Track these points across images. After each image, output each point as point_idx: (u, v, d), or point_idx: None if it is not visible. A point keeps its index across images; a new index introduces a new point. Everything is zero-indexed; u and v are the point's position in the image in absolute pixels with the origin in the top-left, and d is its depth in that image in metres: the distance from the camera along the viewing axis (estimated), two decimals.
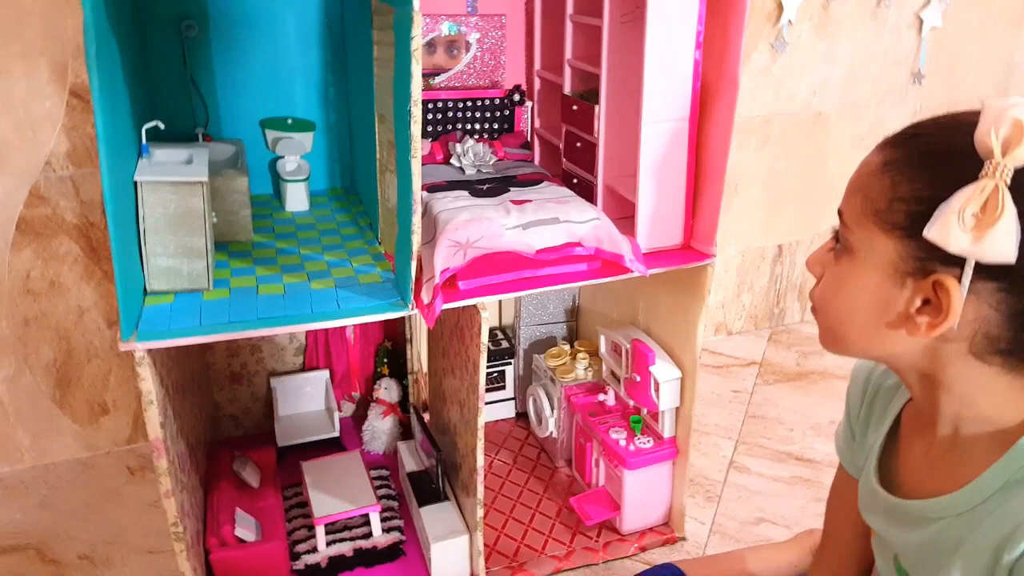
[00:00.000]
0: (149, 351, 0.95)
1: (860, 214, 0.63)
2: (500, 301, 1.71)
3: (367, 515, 1.30)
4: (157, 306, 1.02)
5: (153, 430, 0.98)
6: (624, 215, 1.19)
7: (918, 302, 0.60)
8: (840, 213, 0.67)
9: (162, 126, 1.08)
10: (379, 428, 1.55)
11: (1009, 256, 0.55)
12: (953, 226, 0.55)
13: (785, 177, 1.99)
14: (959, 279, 0.57)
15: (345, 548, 1.27)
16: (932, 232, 0.56)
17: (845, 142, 2.00)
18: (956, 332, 0.60)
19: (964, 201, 0.55)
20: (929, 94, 2.06)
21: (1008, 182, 0.54)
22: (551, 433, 1.52)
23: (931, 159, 0.59)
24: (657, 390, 1.26)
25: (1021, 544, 0.58)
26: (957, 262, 0.57)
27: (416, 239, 1.02)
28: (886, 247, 0.61)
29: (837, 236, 0.68)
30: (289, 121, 1.41)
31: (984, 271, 0.56)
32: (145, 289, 1.05)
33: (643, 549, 1.33)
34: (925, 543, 0.68)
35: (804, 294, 2.15)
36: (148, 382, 0.95)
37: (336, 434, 1.52)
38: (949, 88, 2.08)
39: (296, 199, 1.38)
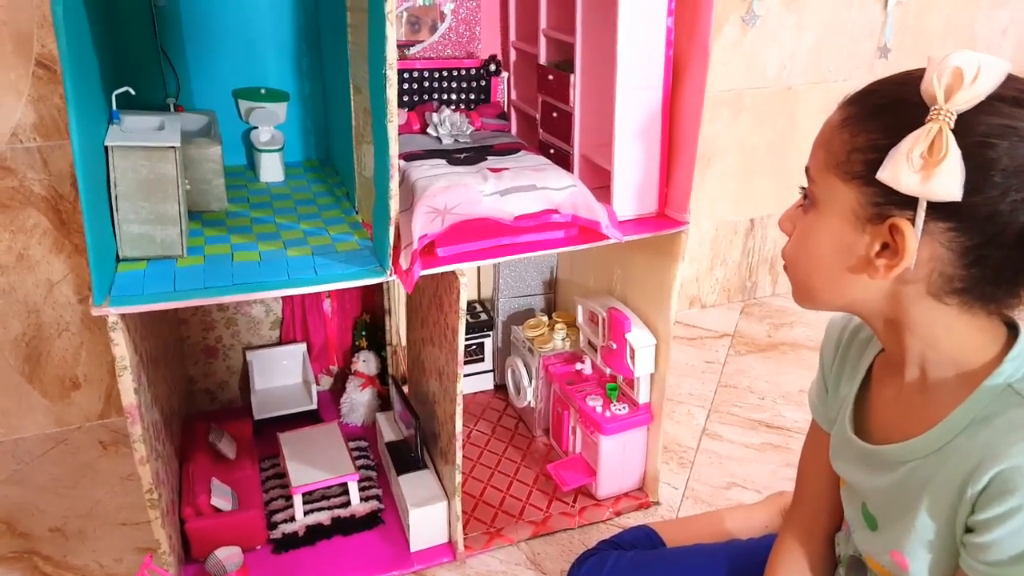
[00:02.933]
0: (122, 316, 0.94)
1: (823, 167, 0.66)
2: (479, 273, 1.72)
3: (345, 484, 1.30)
4: (130, 272, 1.01)
5: (127, 396, 0.97)
6: (600, 185, 1.20)
7: (877, 246, 0.63)
8: (807, 170, 0.70)
9: (132, 92, 1.07)
10: (357, 400, 1.55)
11: (955, 193, 0.58)
12: (903, 167, 0.59)
13: (757, 150, 2.01)
14: (912, 221, 0.60)
15: (323, 517, 1.28)
16: (884, 174, 0.60)
17: (815, 115, 2.02)
18: (913, 273, 0.62)
19: (912, 144, 0.58)
20: (895, 67, 2.06)
21: (951, 125, 0.58)
22: (529, 403, 1.53)
23: (884, 110, 0.63)
24: (633, 357, 1.27)
25: (984, 477, 0.61)
26: (911, 205, 0.60)
27: (394, 205, 1.02)
28: (846, 196, 0.64)
29: (805, 193, 0.71)
30: (262, 91, 1.39)
31: (935, 212, 0.59)
32: (118, 256, 1.04)
33: (618, 514, 1.36)
34: (894, 486, 0.70)
35: (776, 267, 2.18)
36: (122, 347, 0.94)
37: (314, 407, 1.52)
38: (915, 61, 2.06)
39: (271, 170, 1.37)
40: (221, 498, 1.22)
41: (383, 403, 1.56)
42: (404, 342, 1.58)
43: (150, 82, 1.31)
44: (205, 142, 1.18)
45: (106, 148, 0.98)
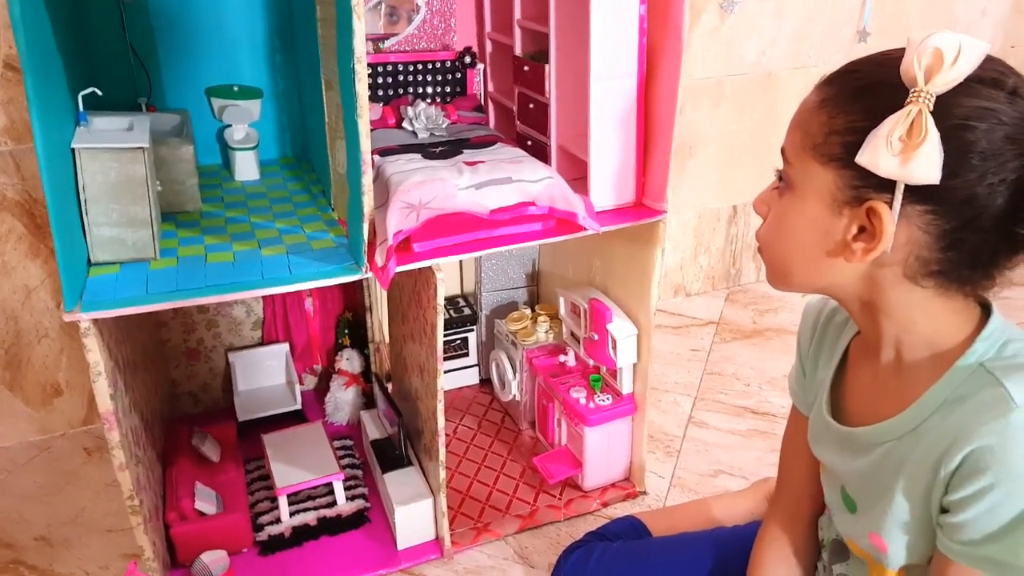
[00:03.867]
0: (95, 321, 0.93)
1: (800, 149, 0.66)
2: (461, 267, 1.71)
3: (331, 484, 1.30)
4: (102, 276, 1.00)
5: (103, 402, 0.96)
6: (578, 175, 1.20)
7: (854, 229, 0.63)
8: (783, 151, 0.69)
9: (99, 92, 1.05)
10: (341, 399, 1.54)
11: (933, 176, 0.57)
12: (882, 150, 0.58)
13: (738, 137, 2.01)
14: (890, 204, 0.60)
15: (309, 517, 1.27)
16: (863, 157, 0.59)
17: (795, 101, 1.98)
18: (890, 256, 0.62)
19: (891, 126, 0.58)
20: (875, 50, 2.07)
21: (931, 108, 0.57)
22: (514, 396, 1.52)
23: (863, 92, 0.62)
24: (615, 347, 1.27)
25: (956, 457, 0.61)
26: (888, 188, 0.60)
27: (368, 201, 1.01)
28: (824, 178, 0.64)
29: (781, 176, 0.70)
30: (235, 88, 1.38)
31: (913, 195, 0.59)
32: (89, 260, 1.03)
33: (605, 505, 1.35)
34: (871, 468, 0.70)
35: (759, 254, 2.18)
36: (95, 353, 0.93)
37: (298, 407, 1.51)
38: (894, 44, 2.08)
39: (246, 168, 1.35)
40: (205, 502, 1.21)
41: (367, 401, 1.56)
42: (387, 339, 1.57)
43: (120, 81, 1.30)
44: (177, 142, 1.17)
45: (73, 150, 0.96)
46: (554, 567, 1.05)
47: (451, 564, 1.24)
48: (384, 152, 1.20)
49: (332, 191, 1.24)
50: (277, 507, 1.27)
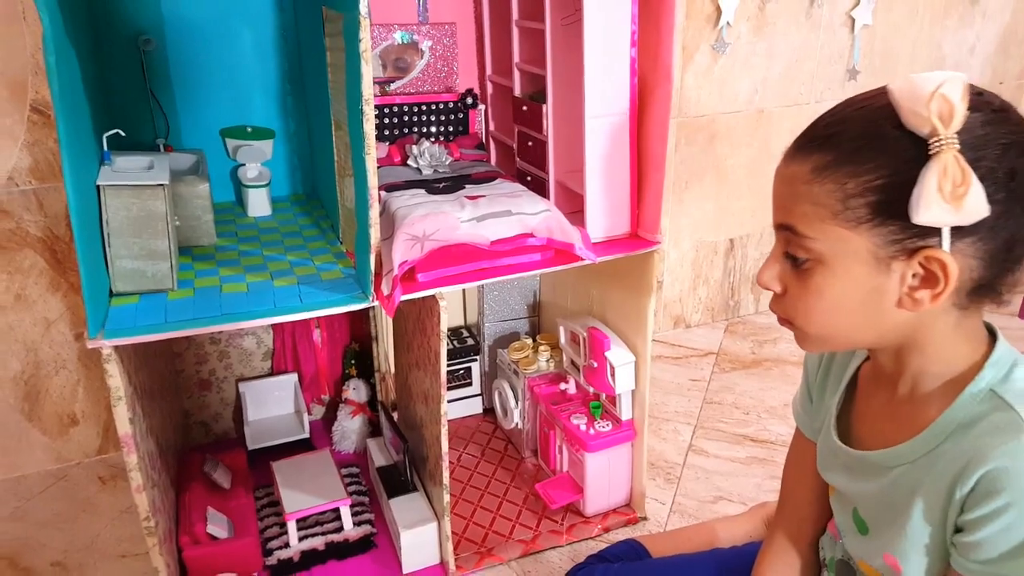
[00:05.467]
0: (116, 348, 0.98)
1: (817, 222, 0.65)
2: (464, 299, 1.76)
3: (338, 509, 1.33)
4: (123, 306, 1.05)
5: (122, 426, 1.01)
6: (576, 209, 1.25)
7: (912, 280, 0.63)
8: (787, 228, 0.68)
9: (123, 134, 1.12)
10: (348, 427, 1.58)
11: (984, 211, 0.59)
12: (937, 205, 0.59)
13: (733, 173, 2.07)
14: (941, 246, 0.61)
15: (317, 542, 1.30)
16: (922, 217, 0.59)
17: (788, 137, 2.05)
18: (956, 289, 0.63)
19: (937, 180, 0.58)
20: (865, 88, 2.14)
21: (959, 149, 0.59)
22: (516, 424, 1.56)
23: (866, 150, 0.62)
24: (613, 374, 1.31)
25: (971, 479, 0.62)
26: (934, 232, 0.61)
27: (374, 233, 1.07)
28: (859, 242, 0.63)
29: (787, 252, 0.69)
30: (249, 129, 1.45)
31: (960, 229, 0.60)
32: (111, 291, 1.08)
33: (607, 530, 1.38)
34: (884, 491, 0.72)
35: (757, 286, 2.22)
36: (116, 379, 0.98)
37: (306, 435, 1.55)
38: (883, 82, 2.16)
39: (258, 204, 1.42)
40: (217, 526, 1.25)
41: (373, 429, 1.60)
42: (392, 369, 1.62)
43: (140, 123, 1.37)
44: (194, 180, 1.23)
45: (98, 187, 1.03)
46: None
47: None
48: (390, 188, 1.26)
49: (340, 225, 1.30)
50: (286, 532, 1.30)
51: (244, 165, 1.42)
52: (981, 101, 0.61)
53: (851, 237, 0.63)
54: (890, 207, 0.61)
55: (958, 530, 0.65)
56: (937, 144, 0.59)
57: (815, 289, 0.67)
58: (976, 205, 0.59)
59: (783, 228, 0.68)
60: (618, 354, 1.32)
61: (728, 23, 1.90)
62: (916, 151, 0.60)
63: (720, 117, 2.00)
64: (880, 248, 0.63)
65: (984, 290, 0.64)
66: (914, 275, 0.63)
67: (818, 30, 2.04)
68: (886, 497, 0.72)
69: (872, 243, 0.63)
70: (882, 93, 0.63)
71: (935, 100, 0.59)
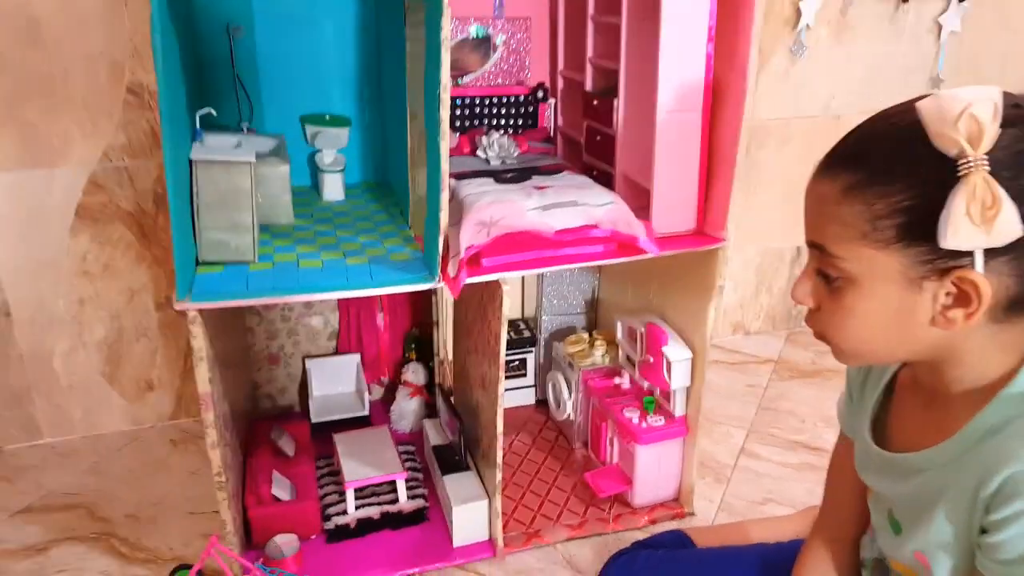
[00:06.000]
0: (200, 312, 1.04)
1: (846, 243, 0.65)
2: (523, 292, 1.79)
3: (394, 482, 1.38)
4: (208, 274, 1.12)
5: (202, 384, 1.08)
6: (641, 204, 1.27)
7: (945, 299, 0.63)
8: (818, 246, 0.68)
9: (214, 113, 1.19)
10: (406, 408, 1.63)
11: (1018, 231, 0.58)
12: (966, 229, 0.58)
13: (804, 180, 2.03)
14: (974, 266, 0.60)
15: (373, 511, 1.36)
16: (950, 241, 0.59)
17: None
18: (994, 304, 0.62)
19: (966, 203, 0.58)
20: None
21: (989, 170, 0.58)
22: (569, 416, 1.59)
23: (894, 170, 0.62)
24: (669, 369, 1.32)
25: (996, 481, 0.63)
26: (966, 252, 0.60)
27: (444, 216, 1.11)
28: (888, 263, 0.63)
29: (818, 270, 0.69)
30: (327, 117, 1.51)
31: (994, 248, 0.60)
32: (197, 260, 1.15)
33: (653, 522, 1.40)
34: (915, 493, 0.73)
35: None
36: (200, 339, 1.05)
37: (366, 413, 1.61)
38: None
39: (333, 189, 1.48)
40: (281, 489, 1.31)
41: (429, 411, 1.64)
42: (451, 356, 1.66)
43: (226, 107, 1.44)
44: (275, 161, 1.30)
45: (191, 162, 1.10)
46: (600, 571, 1.10)
47: (502, 564, 1.31)
48: (460, 176, 1.30)
49: (410, 211, 1.35)
50: (344, 500, 1.36)
51: (321, 151, 1.49)
52: (1018, 115, 0.60)
53: (881, 257, 0.63)
54: (919, 228, 0.60)
55: (983, 531, 0.65)
56: (966, 166, 0.58)
57: (847, 307, 0.67)
58: (1009, 227, 0.58)
59: (814, 246, 0.68)
60: (675, 349, 1.33)
61: (808, 26, 1.88)
62: (945, 172, 0.59)
63: (794, 122, 1.98)
64: (911, 268, 0.62)
65: (1018, 306, 0.63)
66: (947, 294, 0.62)
67: (902, 36, 1.98)
68: (917, 498, 0.72)
69: (902, 263, 0.62)
70: (913, 108, 0.62)
71: (963, 120, 0.58)
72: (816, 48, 1.93)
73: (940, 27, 2.01)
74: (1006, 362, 0.67)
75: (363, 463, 1.38)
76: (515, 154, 1.42)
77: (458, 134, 1.47)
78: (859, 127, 0.67)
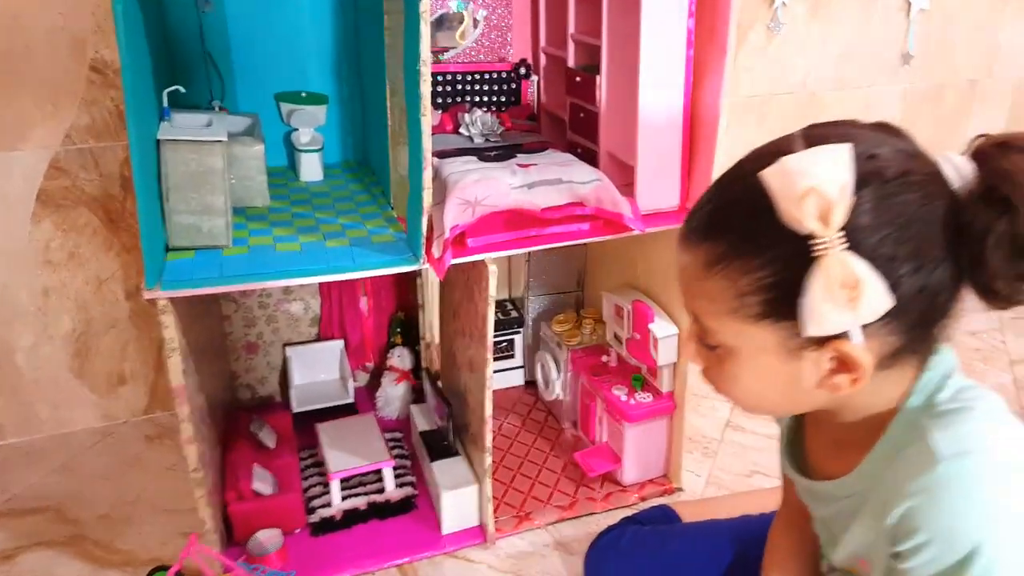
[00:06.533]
0: (172, 300, 1.00)
1: (716, 316, 0.62)
2: (510, 272, 1.76)
3: (380, 471, 1.35)
4: (179, 260, 1.07)
5: (176, 377, 1.03)
6: (625, 182, 1.24)
7: (827, 366, 0.60)
8: (695, 317, 0.66)
9: (183, 90, 1.13)
10: (392, 394, 1.60)
11: (886, 304, 0.55)
12: (828, 314, 0.55)
13: None
14: (850, 336, 0.57)
15: (359, 502, 1.32)
16: (813, 330, 0.56)
17: None
18: (875, 360, 0.60)
19: (823, 288, 0.55)
20: (918, 75, 2.11)
21: (847, 245, 0.54)
22: (557, 396, 1.57)
23: (752, 244, 0.58)
24: (656, 346, 1.30)
25: (894, 514, 0.60)
26: None
27: (427, 196, 1.07)
28: (763, 335, 0.61)
29: (702, 338, 0.67)
30: (303, 94, 1.46)
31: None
32: (167, 247, 1.10)
33: (643, 499, 1.38)
34: (835, 516, 0.74)
35: None
36: (171, 330, 1.00)
37: (350, 400, 1.57)
38: (937, 69, 2.13)
39: (310, 169, 1.43)
40: (262, 482, 1.27)
41: (416, 397, 1.61)
42: (437, 339, 1.63)
43: (196, 85, 1.38)
44: (249, 140, 1.25)
45: (158, 142, 1.04)
46: (588, 548, 1.09)
47: (493, 549, 1.28)
48: (442, 154, 1.26)
49: (392, 191, 1.31)
50: (329, 492, 1.32)
51: (297, 130, 1.44)
52: (872, 171, 0.56)
53: (754, 331, 0.60)
54: (785, 306, 0.57)
55: (894, 556, 0.64)
56: (820, 247, 0.54)
57: (730, 374, 0.65)
58: (876, 302, 0.55)
59: (690, 313, 0.66)
60: (661, 326, 1.31)
61: (784, 3, 1.86)
62: (801, 251, 0.55)
63: (771, 98, 1.97)
64: (787, 340, 0.59)
65: (908, 350, 0.61)
66: (830, 360, 0.60)
67: (874, 13, 1.99)
68: (840, 518, 0.72)
69: (777, 336, 0.60)
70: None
71: (809, 199, 0.53)
72: (792, 25, 1.92)
73: (910, 5, 2.02)
74: (897, 391, 0.65)
75: (348, 452, 1.34)
76: (498, 131, 1.38)
77: (440, 111, 1.42)
78: (716, 188, 0.63)
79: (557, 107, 1.47)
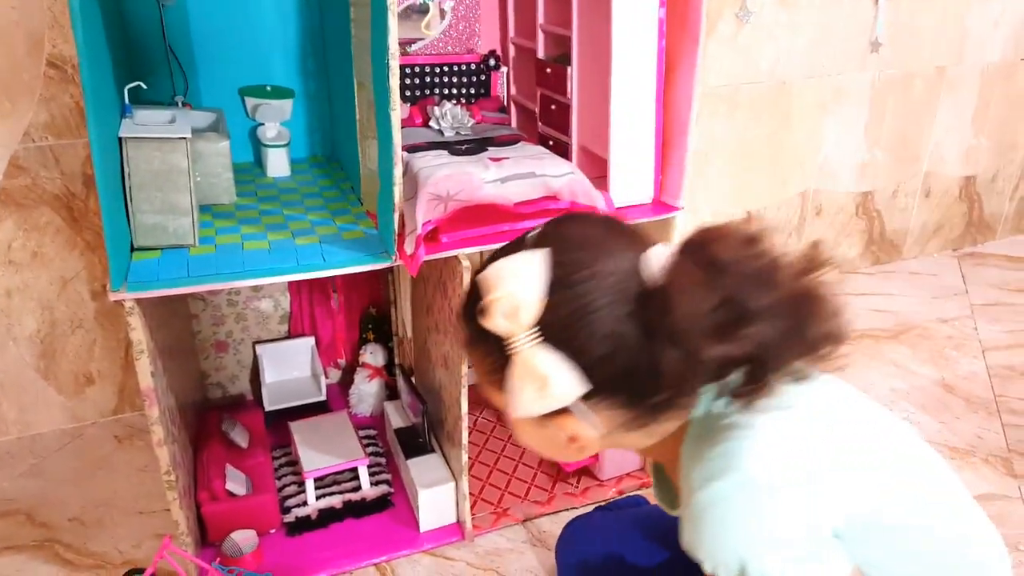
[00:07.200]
0: (138, 302, 0.97)
1: (482, 383, 0.69)
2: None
3: (356, 469, 1.33)
4: (145, 260, 1.05)
5: (144, 379, 1.01)
6: (598, 175, 1.24)
7: (564, 436, 0.66)
8: None
9: (144, 86, 1.11)
10: (365, 391, 1.58)
11: (581, 387, 0.61)
12: (527, 402, 0.62)
13: (753, 144, 2.05)
14: (572, 412, 0.63)
15: (335, 501, 1.31)
16: (519, 412, 0.62)
17: (809, 110, 2.06)
18: (609, 432, 0.66)
19: (518, 381, 0.61)
20: (887, 62, 2.13)
21: (539, 340, 0.60)
22: None
23: (479, 337, 0.64)
24: None
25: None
26: None
27: (398, 191, 1.06)
28: None
29: None
30: (268, 88, 1.43)
31: (587, 395, 0.62)
32: (132, 247, 1.08)
33: (621, 493, 1.38)
34: None
35: None
36: (139, 331, 0.98)
37: (323, 398, 1.55)
38: (905, 56, 2.15)
39: (277, 165, 1.41)
40: (236, 483, 1.25)
41: (390, 393, 1.60)
42: (410, 334, 1.62)
43: (158, 80, 1.35)
44: (214, 136, 1.22)
45: (120, 139, 1.02)
46: (560, 534, 1.09)
47: (472, 546, 1.28)
48: (412, 149, 1.24)
49: (361, 187, 1.29)
50: (304, 491, 1.31)
51: (263, 125, 1.41)
52: (564, 274, 0.61)
53: (503, 398, 0.65)
54: None
55: None
56: (511, 347, 0.61)
57: (514, 429, 0.70)
58: (565, 392, 0.61)
59: None
60: None
61: None
62: (502, 348, 0.62)
63: (742, 88, 1.97)
64: None
65: (646, 418, 0.65)
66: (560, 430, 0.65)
67: (842, 1, 2.00)
68: None
69: None
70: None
71: (498, 305, 0.60)
72: (761, 14, 1.92)
73: None
74: (673, 427, 0.68)
75: (322, 451, 1.33)
76: (469, 124, 1.37)
77: (408, 104, 1.41)
78: (480, 273, 0.68)
79: (527, 98, 1.46)
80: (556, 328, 0.60)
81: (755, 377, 0.60)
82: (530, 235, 0.66)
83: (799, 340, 0.60)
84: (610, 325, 0.60)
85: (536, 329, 0.60)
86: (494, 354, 0.63)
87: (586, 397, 0.62)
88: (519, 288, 0.60)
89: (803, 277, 0.61)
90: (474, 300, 0.64)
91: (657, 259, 0.62)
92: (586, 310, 0.60)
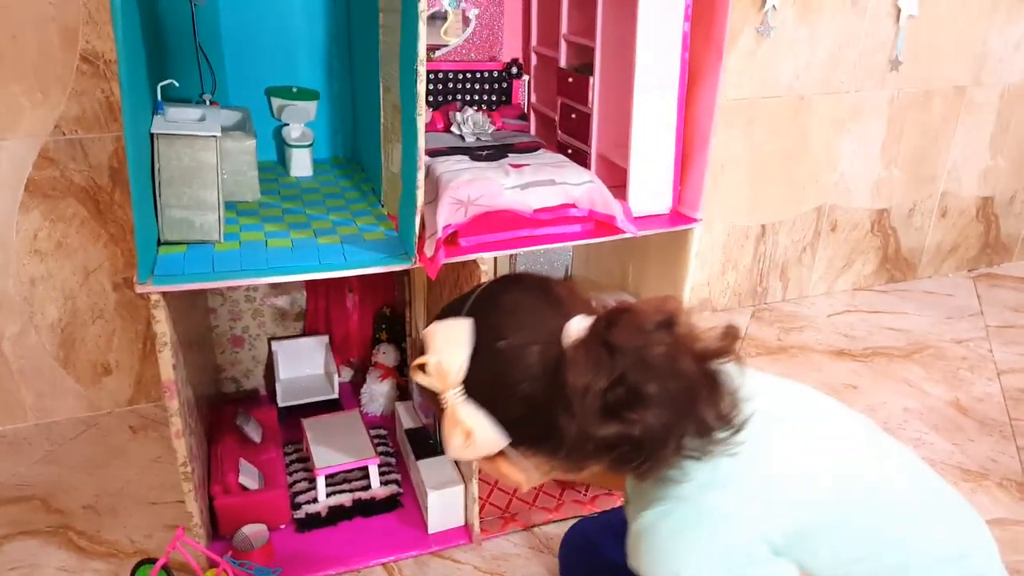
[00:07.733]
0: (164, 295, 0.99)
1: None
2: (495, 270, 1.76)
3: (366, 468, 1.35)
4: (171, 255, 1.07)
5: (166, 372, 1.03)
6: (617, 183, 1.25)
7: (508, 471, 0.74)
8: None
9: (177, 84, 1.13)
10: (377, 391, 1.60)
11: (500, 441, 0.69)
12: (458, 449, 0.70)
13: (769, 158, 2.05)
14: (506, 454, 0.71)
15: (345, 499, 1.33)
16: (452, 455, 0.71)
17: (826, 125, 2.07)
18: (549, 468, 0.73)
19: (447, 432, 0.70)
20: (906, 80, 2.13)
21: (464, 397, 0.68)
22: None
23: (422, 388, 0.72)
24: None
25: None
26: None
27: (420, 195, 1.07)
28: None
29: None
30: (294, 89, 1.45)
31: (512, 444, 0.70)
32: (159, 241, 1.10)
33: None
34: None
35: (786, 273, 2.22)
36: (163, 324, 1.00)
37: (335, 396, 1.57)
38: (925, 74, 2.15)
39: (301, 165, 1.43)
40: (249, 477, 1.27)
41: (402, 394, 1.61)
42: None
43: (189, 79, 1.37)
44: (241, 135, 1.24)
45: (152, 135, 1.04)
46: (563, 538, 1.11)
47: (479, 550, 1.29)
48: (434, 153, 1.26)
49: (383, 189, 1.31)
50: (314, 488, 1.33)
51: (288, 125, 1.43)
52: (487, 340, 0.68)
53: None
54: None
55: None
56: (442, 400, 0.69)
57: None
58: (489, 441, 0.69)
59: None
60: None
61: (774, 7, 1.88)
62: (438, 402, 0.70)
63: (760, 102, 1.98)
64: None
65: (571, 464, 0.71)
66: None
67: (863, 19, 2.01)
68: None
69: None
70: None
71: (430, 364, 0.68)
72: (781, 29, 1.93)
73: (899, 10, 2.04)
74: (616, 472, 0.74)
75: (334, 449, 1.34)
76: (490, 131, 1.38)
77: (431, 109, 1.42)
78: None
79: (547, 106, 1.47)
80: (479, 388, 0.68)
81: (650, 455, 0.66)
82: (472, 296, 0.73)
83: (692, 425, 0.65)
84: (525, 389, 0.67)
85: (462, 387, 0.68)
86: (434, 402, 0.71)
87: (513, 445, 0.70)
88: (447, 352, 0.68)
89: (704, 363, 0.66)
90: (419, 353, 0.72)
91: (576, 331, 0.67)
92: (505, 375, 0.67)
